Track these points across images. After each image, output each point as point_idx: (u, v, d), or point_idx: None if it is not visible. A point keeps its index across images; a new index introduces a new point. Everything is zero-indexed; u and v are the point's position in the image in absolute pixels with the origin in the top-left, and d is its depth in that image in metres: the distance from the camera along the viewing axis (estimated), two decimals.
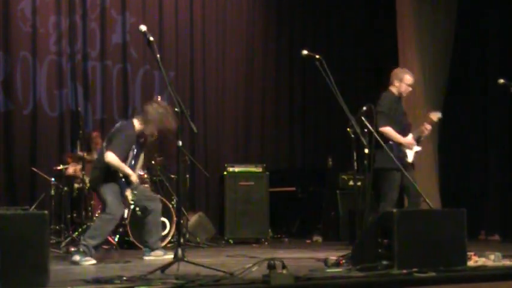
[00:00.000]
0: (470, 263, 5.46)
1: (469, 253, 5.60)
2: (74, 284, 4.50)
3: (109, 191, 6.38)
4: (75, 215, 8.24)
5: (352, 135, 5.96)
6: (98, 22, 9.76)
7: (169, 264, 5.04)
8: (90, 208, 8.07)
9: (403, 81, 7.11)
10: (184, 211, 8.46)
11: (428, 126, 7.15)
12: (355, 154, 6.06)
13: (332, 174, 9.93)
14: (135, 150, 6.55)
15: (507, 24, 9.90)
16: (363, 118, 6.05)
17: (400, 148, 6.99)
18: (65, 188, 8.38)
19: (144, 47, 9.45)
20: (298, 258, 6.48)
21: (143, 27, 5.41)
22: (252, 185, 9.30)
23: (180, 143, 5.27)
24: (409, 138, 7.09)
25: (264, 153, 10.86)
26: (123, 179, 6.43)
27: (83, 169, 7.90)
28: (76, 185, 8.27)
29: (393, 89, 7.15)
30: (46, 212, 4.33)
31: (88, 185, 7.92)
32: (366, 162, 5.93)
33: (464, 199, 9.43)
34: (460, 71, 10.33)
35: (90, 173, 6.77)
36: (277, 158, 11.01)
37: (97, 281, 4.51)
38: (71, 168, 8.45)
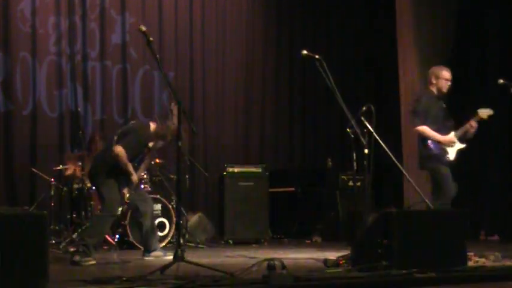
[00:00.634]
0: (470, 263, 5.46)
1: (469, 253, 5.61)
2: (74, 284, 4.51)
3: (107, 188, 6.38)
4: (74, 215, 8.23)
5: (352, 136, 5.96)
6: (97, 22, 9.76)
7: (169, 264, 5.05)
8: (89, 208, 8.06)
9: (440, 77, 7.06)
10: (184, 211, 8.45)
11: (474, 124, 7.01)
12: (354, 154, 6.06)
13: (332, 175, 9.93)
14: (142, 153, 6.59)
15: (507, 24, 9.89)
16: (362, 118, 6.05)
17: (439, 146, 6.93)
18: (65, 188, 8.37)
19: (144, 47, 9.43)
20: (298, 258, 6.49)
21: (143, 27, 5.42)
22: (252, 185, 9.30)
23: (180, 143, 5.28)
24: (449, 136, 6.98)
25: (264, 153, 10.86)
26: (124, 177, 6.44)
27: (82, 169, 7.89)
28: (76, 185, 8.26)
29: (432, 88, 7.09)
30: (46, 212, 4.34)
31: (88, 185, 7.94)
32: (365, 162, 5.93)
33: (464, 199, 9.41)
34: (460, 71, 10.31)
35: (91, 165, 6.73)
36: (277, 158, 11.00)
37: (97, 281, 4.51)
38: (71, 169, 8.44)
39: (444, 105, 7.21)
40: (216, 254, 7.46)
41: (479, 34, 10.18)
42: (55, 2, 9.45)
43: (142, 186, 7.75)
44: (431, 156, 6.89)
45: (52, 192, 8.31)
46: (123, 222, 7.78)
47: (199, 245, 8.52)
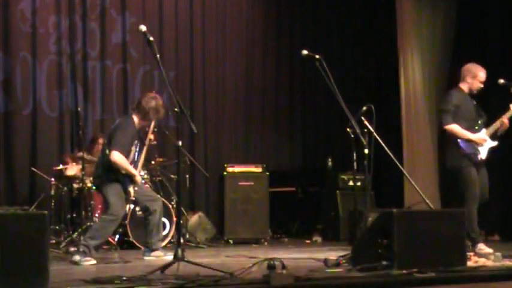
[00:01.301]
0: (470, 263, 5.46)
1: (469, 253, 5.61)
2: (74, 284, 4.50)
3: (112, 192, 6.41)
4: (74, 215, 8.23)
5: (352, 135, 5.96)
6: (97, 22, 9.75)
7: (169, 264, 5.05)
8: (89, 208, 8.07)
9: (477, 78, 6.90)
10: (184, 211, 8.45)
11: (506, 120, 6.88)
12: (355, 154, 6.06)
13: (332, 175, 9.93)
14: (138, 145, 6.60)
15: (507, 24, 9.89)
16: (362, 118, 6.05)
17: (470, 145, 6.79)
18: (65, 188, 8.37)
19: (144, 47, 9.44)
20: (298, 258, 6.48)
21: (143, 27, 5.42)
22: (252, 185, 9.30)
23: (180, 143, 5.28)
24: (480, 134, 6.84)
25: (264, 153, 10.85)
26: (127, 177, 6.45)
27: (82, 169, 7.89)
28: (76, 185, 8.26)
29: (463, 86, 6.95)
30: (46, 212, 4.33)
31: (88, 185, 7.95)
32: (365, 162, 5.94)
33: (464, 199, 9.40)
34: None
35: (94, 171, 6.78)
36: (277, 158, 11.00)
37: (97, 281, 4.52)
38: (71, 169, 8.44)
39: (475, 102, 7.04)
40: (216, 254, 7.46)
41: (479, 34, 10.18)
42: (55, 1, 9.44)
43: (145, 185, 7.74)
44: (462, 156, 6.71)
45: (52, 192, 8.31)
46: (123, 222, 7.77)
47: (200, 245, 8.52)
